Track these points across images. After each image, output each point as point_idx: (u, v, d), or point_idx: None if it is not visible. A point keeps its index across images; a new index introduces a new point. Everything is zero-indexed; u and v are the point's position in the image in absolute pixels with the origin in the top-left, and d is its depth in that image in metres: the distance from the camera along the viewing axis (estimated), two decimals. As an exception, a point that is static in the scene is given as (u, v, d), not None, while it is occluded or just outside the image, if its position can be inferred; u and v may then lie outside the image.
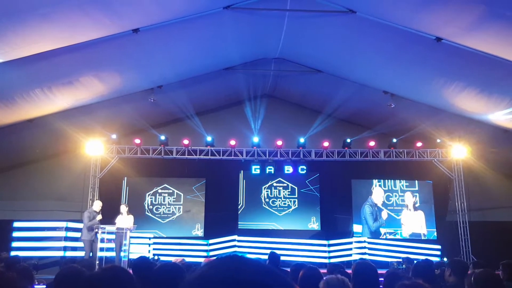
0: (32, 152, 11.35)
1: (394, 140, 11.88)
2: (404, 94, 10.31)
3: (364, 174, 12.42)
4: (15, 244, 10.27)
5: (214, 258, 1.13)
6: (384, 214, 12.32)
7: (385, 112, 11.01)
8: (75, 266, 2.62)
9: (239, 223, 12.17)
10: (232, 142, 11.68)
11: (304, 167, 12.26)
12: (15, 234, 10.39)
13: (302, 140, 11.86)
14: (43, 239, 10.40)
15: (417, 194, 12.57)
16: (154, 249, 11.12)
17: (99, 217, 9.46)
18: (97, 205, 9.73)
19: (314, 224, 12.28)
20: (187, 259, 8.27)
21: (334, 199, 12.30)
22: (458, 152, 11.79)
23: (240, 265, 0.81)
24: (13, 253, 9.54)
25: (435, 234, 12.23)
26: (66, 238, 10.49)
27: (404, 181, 12.65)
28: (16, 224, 10.53)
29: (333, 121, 12.38)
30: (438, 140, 11.88)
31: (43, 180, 11.76)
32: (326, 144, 11.78)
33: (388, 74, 9.57)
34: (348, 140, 11.85)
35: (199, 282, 0.79)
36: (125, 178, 12.20)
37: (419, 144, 11.85)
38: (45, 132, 10.29)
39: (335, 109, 11.73)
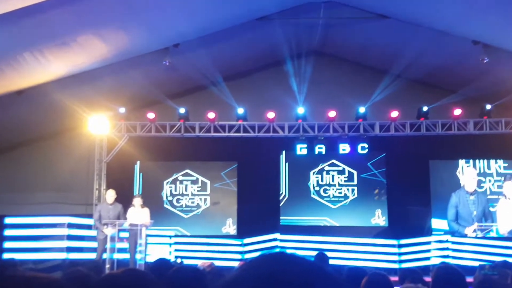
0: (23, 132, 11.82)
1: (488, 107, 11.60)
2: (502, 44, 9.89)
3: (447, 153, 12.25)
4: (7, 244, 10.70)
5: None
6: (479, 209, 11.07)
7: (475, 70, 10.70)
8: (81, 270, 2.73)
9: (281, 218, 12.31)
10: (270, 115, 11.70)
11: (365, 145, 12.12)
12: (7, 232, 10.84)
13: (362, 109, 11.78)
14: (41, 238, 10.85)
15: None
16: (176, 250, 11.43)
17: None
18: (109, 196, 10.11)
19: (379, 219, 12.27)
20: (217, 263, 8.46)
21: (406, 186, 12.15)
22: None
23: (283, 265, 0.85)
24: (5, 256, 10.06)
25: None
26: (69, 237, 10.89)
27: (502, 161, 12.38)
28: (8, 220, 10.96)
29: (404, 83, 12.12)
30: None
31: (39, 167, 12.26)
32: (394, 114, 11.67)
33: (479, 17, 9.18)
34: (425, 109, 11.68)
35: (235, 284, 0.83)
36: (138, 162, 12.55)
37: (522, 111, 11.49)
38: (37, 106, 10.66)
39: (407, 67, 11.42)
